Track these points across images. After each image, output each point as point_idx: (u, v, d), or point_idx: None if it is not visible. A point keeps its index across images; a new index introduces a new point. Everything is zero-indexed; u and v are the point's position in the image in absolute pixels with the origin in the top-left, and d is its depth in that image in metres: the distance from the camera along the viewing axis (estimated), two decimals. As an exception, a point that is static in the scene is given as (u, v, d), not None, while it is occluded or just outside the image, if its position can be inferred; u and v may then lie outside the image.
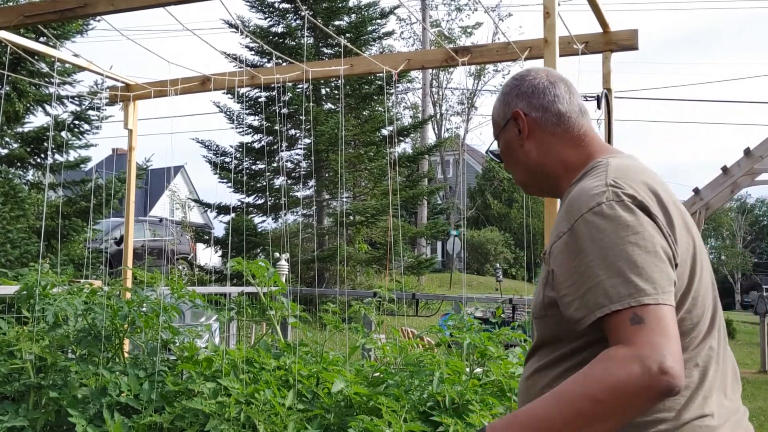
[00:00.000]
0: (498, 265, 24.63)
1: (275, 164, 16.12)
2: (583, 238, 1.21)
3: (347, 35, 16.42)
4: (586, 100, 4.54)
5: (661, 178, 1.38)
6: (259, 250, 15.71)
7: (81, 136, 11.29)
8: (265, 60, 16.45)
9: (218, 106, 16.61)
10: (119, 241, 13.75)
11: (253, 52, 16.80)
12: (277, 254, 9.61)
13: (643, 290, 1.13)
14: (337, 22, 16.96)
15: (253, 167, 16.95)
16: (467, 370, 3.89)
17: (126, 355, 4.23)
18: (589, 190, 1.26)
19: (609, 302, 1.14)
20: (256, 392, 3.43)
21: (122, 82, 5.66)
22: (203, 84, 5.41)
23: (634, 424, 1.18)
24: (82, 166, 11.67)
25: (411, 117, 29.26)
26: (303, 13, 15.99)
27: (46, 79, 10.10)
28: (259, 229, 16.53)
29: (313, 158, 15.92)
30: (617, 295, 1.13)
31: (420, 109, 28.60)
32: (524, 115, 1.47)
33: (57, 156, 11.39)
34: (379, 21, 17.66)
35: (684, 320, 1.24)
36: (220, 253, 18.27)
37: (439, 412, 3.34)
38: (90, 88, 10.49)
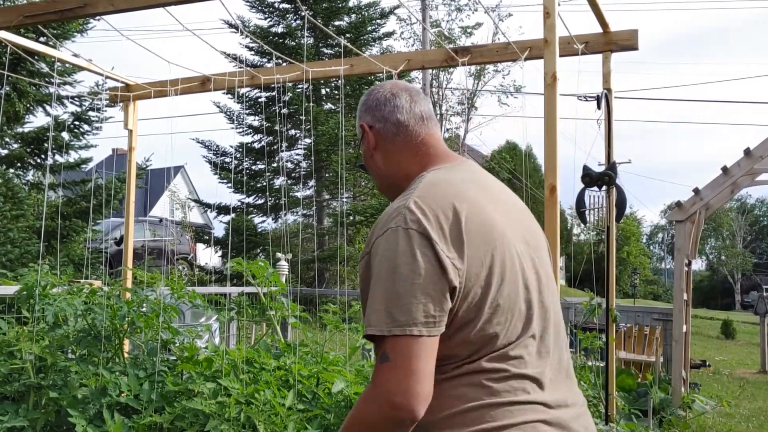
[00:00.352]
0: (498, 265, 24.61)
1: (275, 164, 16.12)
2: (372, 260, 1.33)
3: (347, 35, 16.42)
4: (586, 101, 4.55)
5: (486, 185, 1.47)
6: (259, 250, 15.71)
7: (81, 137, 11.30)
8: (265, 60, 16.45)
9: (218, 106, 16.62)
10: (119, 242, 13.75)
11: (253, 52, 16.81)
12: (279, 254, 9.60)
13: (396, 321, 1.25)
14: (337, 23, 16.96)
15: (253, 167, 16.95)
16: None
17: (126, 355, 4.23)
18: (389, 212, 1.36)
19: (369, 326, 1.29)
20: (256, 392, 3.43)
21: (122, 82, 5.66)
22: (203, 84, 5.41)
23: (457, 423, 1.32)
24: (82, 166, 11.67)
25: (411, 117, 29.20)
26: (303, 14, 15.99)
27: (46, 79, 10.10)
28: (259, 230, 16.53)
29: (313, 158, 15.92)
30: (376, 321, 1.27)
31: (420, 109, 28.54)
32: (369, 127, 1.54)
33: (57, 156, 11.39)
34: (379, 21, 17.66)
35: (484, 329, 1.32)
36: (220, 253, 18.28)
37: (440, 413, 3.34)
38: (90, 88, 10.49)
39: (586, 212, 4.50)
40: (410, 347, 1.25)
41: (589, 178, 4.37)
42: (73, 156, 11.41)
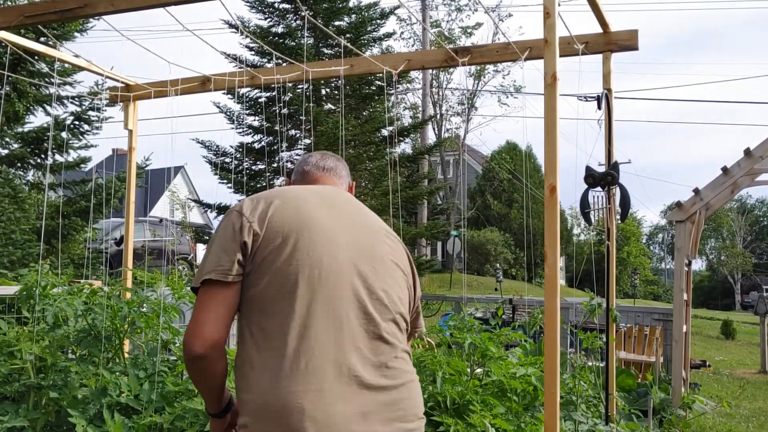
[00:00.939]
0: (498, 265, 24.62)
1: (275, 165, 16.11)
2: None
3: (347, 35, 16.41)
4: (587, 101, 4.54)
5: (328, 201, 1.83)
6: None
7: (81, 137, 11.29)
8: (265, 60, 16.44)
9: (218, 107, 16.61)
10: (119, 242, 13.74)
11: (253, 53, 16.80)
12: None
13: (199, 275, 1.66)
14: (337, 23, 16.96)
15: (253, 167, 16.95)
16: (468, 370, 3.89)
17: (126, 355, 4.23)
18: None
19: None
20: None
21: (122, 82, 5.66)
22: (203, 84, 5.41)
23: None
24: (82, 166, 11.67)
25: (411, 117, 29.25)
26: (303, 14, 15.99)
27: (46, 80, 10.10)
28: (260, 230, 16.49)
29: (313, 158, 15.89)
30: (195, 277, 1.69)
31: (420, 109, 28.59)
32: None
33: (57, 156, 11.39)
34: (379, 21, 17.65)
35: (265, 291, 1.65)
36: (220, 253, 18.23)
37: (440, 412, 3.33)
38: (90, 88, 10.49)
39: (591, 213, 4.50)
40: (202, 296, 1.64)
41: (592, 179, 4.37)
42: (73, 156, 11.41)
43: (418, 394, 1.77)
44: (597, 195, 4.53)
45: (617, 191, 4.46)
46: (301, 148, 16.94)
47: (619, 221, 4.62)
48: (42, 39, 7.57)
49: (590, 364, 4.80)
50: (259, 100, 16.51)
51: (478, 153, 37.54)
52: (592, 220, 4.57)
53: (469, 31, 28.28)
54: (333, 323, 1.64)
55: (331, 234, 1.73)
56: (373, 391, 1.64)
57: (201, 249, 21.04)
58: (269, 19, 17.13)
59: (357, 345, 1.65)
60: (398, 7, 21.15)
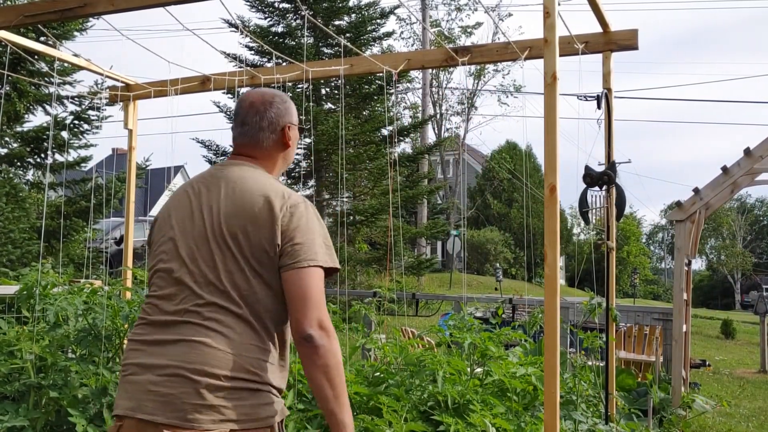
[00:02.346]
0: (498, 265, 24.63)
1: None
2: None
3: (347, 35, 16.41)
4: (586, 100, 4.54)
5: (209, 175, 1.94)
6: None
7: (81, 136, 11.30)
8: (265, 60, 16.44)
9: (218, 106, 16.61)
10: (119, 241, 13.74)
11: (253, 52, 16.80)
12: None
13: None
14: (337, 22, 16.95)
15: (253, 167, 16.92)
16: (468, 369, 3.89)
17: (126, 354, 4.22)
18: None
19: None
20: (257, 392, 3.41)
21: (122, 82, 5.66)
22: (203, 84, 5.41)
23: None
24: (82, 165, 11.66)
25: (411, 117, 29.26)
26: (303, 13, 15.99)
27: (46, 79, 10.10)
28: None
29: (313, 158, 15.91)
30: None
31: (420, 108, 28.59)
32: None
33: (57, 156, 11.39)
34: (378, 21, 17.64)
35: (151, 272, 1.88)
36: (220, 253, 18.23)
37: (440, 412, 3.34)
38: (90, 88, 10.49)
39: (589, 212, 4.50)
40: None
41: (590, 178, 4.37)
42: (73, 155, 11.41)
43: None
44: (595, 195, 4.54)
45: (614, 191, 4.46)
46: (300, 148, 16.94)
47: (615, 221, 4.62)
48: (42, 38, 7.57)
49: (590, 363, 4.80)
50: (259, 99, 16.48)
51: (478, 153, 37.55)
52: (590, 220, 4.57)
53: (469, 30, 28.30)
54: None
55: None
56: None
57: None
58: (269, 19, 17.13)
59: None
60: (398, 6, 21.16)
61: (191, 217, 1.84)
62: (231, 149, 2.05)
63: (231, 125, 2.02)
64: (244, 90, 17.31)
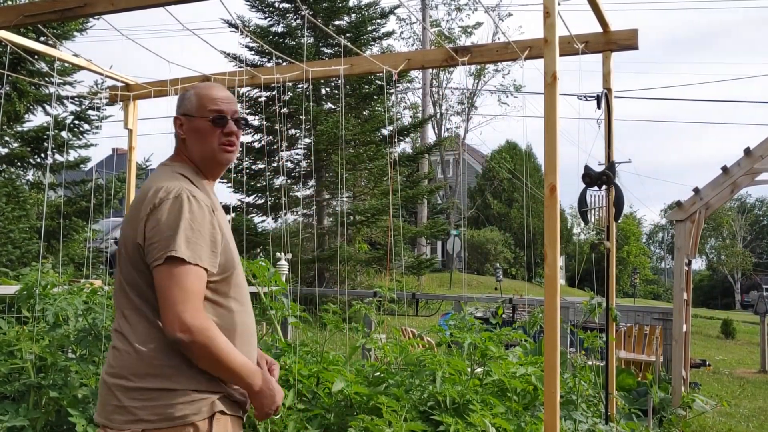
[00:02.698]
0: (498, 264, 24.63)
1: (275, 164, 16.11)
2: None
3: (347, 35, 16.41)
4: (586, 100, 4.54)
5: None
6: (259, 250, 15.70)
7: (81, 136, 11.30)
8: (265, 60, 16.44)
9: (218, 106, 16.57)
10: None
11: (253, 52, 16.80)
12: (279, 254, 9.60)
13: None
14: (337, 22, 16.96)
15: (253, 167, 16.95)
16: (468, 369, 3.89)
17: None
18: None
19: None
20: (257, 392, 3.41)
21: (122, 81, 5.66)
22: (203, 84, 5.40)
23: None
24: (82, 165, 11.66)
25: (411, 117, 29.26)
26: (303, 13, 15.99)
27: (46, 79, 10.10)
28: (259, 229, 16.52)
29: (313, 158, 15.91)
30: None
31: (420, 108, 28.59)
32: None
33: (57, 156, 11.39)
34: (379, 21, 17.65)
35: None
36: (220, 252, 18.21)
37: (440, 412, 3.34)
38: (90, 88, 10.49)
39: (588, 212, 4.50)
40: None
41: (589, 178, 4.37)
42: (73, 155, 11.41)
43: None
44: (594, 194, 4.54)
45: (612, 191, 4.45)
46: (301, 148, 16.95)
47: (614, 221, 4.62)
48: (42, 38, 7.57)
49: (590, 363, 4.80)
50: (259, 99, 16.51)
51: (478, 152, 37.54)
52: (589, 220, 4.57)
53: (469, 30, 28.30)
54: None
55: None
56: None
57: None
58: (269, 19, 17.14)
59: None
60: (398, 6, 21.16)
61: None
62: None
63: None
64: (244, 90, 17.24)
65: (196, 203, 1.79)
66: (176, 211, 1.76)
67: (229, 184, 16.73)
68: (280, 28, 16.91)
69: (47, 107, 11.19)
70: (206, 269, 1.76)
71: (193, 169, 1.96)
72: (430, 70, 26.55)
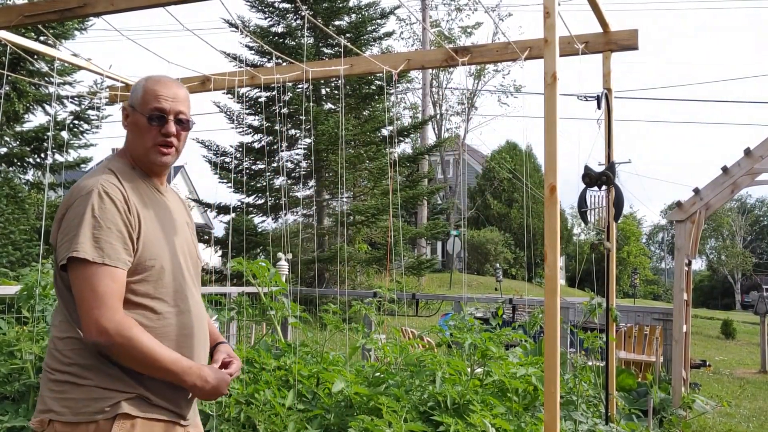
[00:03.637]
0: (498, 265, 24.62)
1: (275, 164, 16.11)
2: None
3: (347, 35, 16.41)
4: (586, 100, 4.54)
5: None
6: (259, 250, 15.71)
7: (80, 136, 11.30)
8: (265, 60, 16.45)
9: (218, 106, 16.62)
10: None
11: (253, 52, 16.81)
12: (279, 254, 9.60)
13: None
14: (337, 22, 16.96)
15: (253, 167, 16.95)
16: (468, 370, 3.89)
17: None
18: None
19: None
20: (256, 392, 3.43)
21: (122, 81, 5.65)
22: (203, 84, 5.41)
23: None
24: (81, 165, 11.67)
25: (411, 117, 29.27)
26: (303, 13, 15.99)
27: (46, 79, 10.10)
28: (260, 229, 16.52)
29: (313, 158, 15.91)
30: None
31: (420, 109, 28.60)
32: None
33: (57, 155, 11.39)
34: (379, 21, 17.65)
35: None
36: (220, 253, 18.27)
37: (440, 412, 3.33)
38: (90, 87, 10.49)
39: (588, 212, 4.50)
40: None
41: (589, 178, 4.37)
42: (72, 155, 11.42)
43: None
44: (594, 195, 4.53)
45: (612, 191, 4.45)
46: (301, 148, 16.95)
47: (614, 221, 4.62)
48: (42, 38, 7.57)
49: (590, 363, 4.80)
50: (259, 99, 16.52)
51: (478, 153, 37.54)
52: (589, 220, 4.57)
53: (469, 30, 28.30)
54: None
55: None
56: None
57: (201, 249, 21.03)
58: (269, 19, 17.14)
59: None
60: (398, 6, 21.17)
61: None
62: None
63: None
64: (244, 90, 17.25)
65: (107, 198, 1.73)
66: (83, 209, 1.71)
67: (229, 184, 16.75)
68: (280, 29, 16.91)
69: (47, 107, 11.20)
70: (121, 267, 1.72)
71: (128, 163, 1.90)
72: (430, 71, 26.56)
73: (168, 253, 1.84)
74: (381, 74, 5.12)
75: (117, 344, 1.67)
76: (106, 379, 1.72)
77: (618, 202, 4.45)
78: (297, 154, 17.27)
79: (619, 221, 4.70)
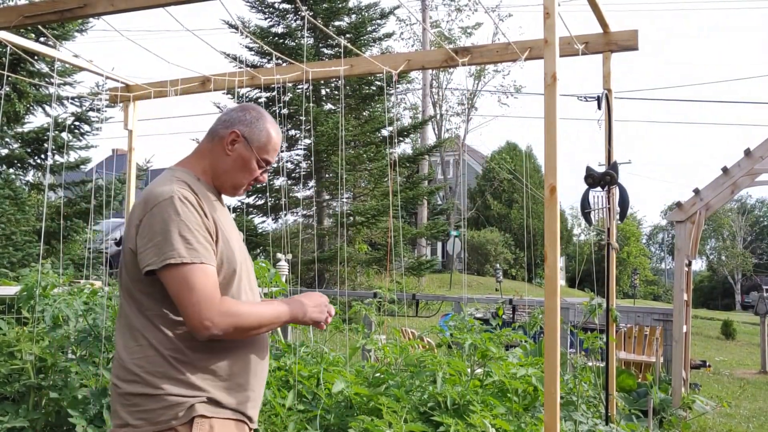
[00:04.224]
0: (498, 265, 24.62)
1: (275, 164, 16.10)
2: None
3: (347, 36, 16.42)
4: (586, 101, 4.54)
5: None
6: (259, 251, 15.71)
7: (81, 137, 11.30)
8: (265, 60, 16.46)
9: (218, 107, 16.62)
10: (119, 242, 13.74)
11: (253, 53, 16.82)
12: (279, 254, 9.60)
13: None
14: (337, 23, 16.97)
15: (253, 168, 16.92)
16: (468, 370, 3.89)
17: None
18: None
19: None
20: (257, 393, 3.40)
21: (122, 82, 5.65)
22: (203, 84, 5.41)
23: None
24: (82, 166, 11.66)
25: (411, 117, 29.28)
26: (303, 14, 16.00)
27: (46, 80, 10.10)
28: (260, 230, 16.52)
29: (313, 159, 15.92)
30: None
31: (420, 109, 28.60)
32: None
33: (57, 157, 11.39)
34: (378, 21, 17.66)
35: None
36: (220, 253, 18.23)
37: (440, 413, 3.33)
38: (90, 88, 10.50)
39: (591, 213, 4.50)
40: None
41: (592, 179, 4.37)
42: (73, 156, 11.41)
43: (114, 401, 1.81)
44: (597, 195, 4.53)
45: (616, 191, 4.45)
46: (301, 148, 16.95)
47: (618, 221, 4.62)
48: (42, 39, 7.57)
49: (590, 364, 4.80)
50: (259, 100, 16.51)
51: (478, 153, 37.55)
52: (593, 221, 4.57)
53: (469, 31, 28.31)
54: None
55: None
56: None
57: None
58: (269, 19, 17.15)
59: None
60: (398, 7, 21.18)
61: None
62: None
63: None
64: (244, 90, 17.26)
65: (187, 203, 1.78)
66: (166, 214, 1.75)
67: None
68: (280, 29, 16.92)
69: (47, 108, 11.19)
70: (211, 264, 1.77)
71: (193, 174, 1.93)
72: (430, 71, 26.56)
73: (237, 258, 1.89)
74: (381, 75, 5.12)
75: (229, 331, 1.73)
76: (176, 386, 1.75)
77: (623, 202, 4.45)
78: (297, 155, 17.28)
79: (623, 221, 4.70)
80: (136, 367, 1.76)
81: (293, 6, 16.48)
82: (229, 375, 1.82)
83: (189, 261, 1.71)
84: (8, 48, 4.88)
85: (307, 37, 16.52)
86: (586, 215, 4.49)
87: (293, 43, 16.14)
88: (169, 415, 1.73)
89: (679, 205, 6.55)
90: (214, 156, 1.97)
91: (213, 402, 1.79)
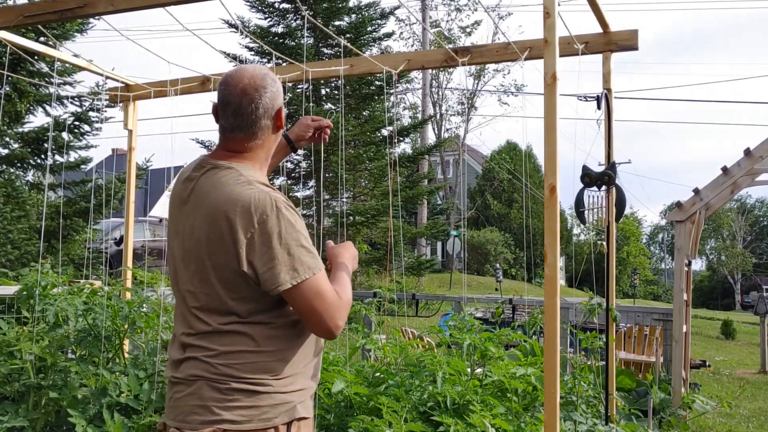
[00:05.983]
0: (498, 265, 24.62)
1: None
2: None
3: (347, 35, 16.42)
4: (586, 101, 4.54)
5: (188, 180, 1.85)
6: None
7: (81, 137, 11.30)
8: (265, 60, 16.45)
9: (218, 107, 16.60)
10: (119, 242, 13.75)
11: (253, 52, 16.81)
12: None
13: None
14: (337, 23, 16.96)
15: (253, 167, 16.93)
16: (468, 370, 3.89)
17: (126, 355, 4.23)
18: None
19: None
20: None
21: (122, 82, 5.65)
22: (203, 84, 5.41)
23: None
24: (82, 166, 11.66)
25: (411, 117, 29.28)
26: (303, 14, 16.00)
27: (46, 80, 10.10)
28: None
29: (313, 158, 15.92)
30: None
31: (420, 109, 28.61)
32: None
33: (57, 156, 11.39)
34: (378, 21, 17.66)
35: None
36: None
37: (440, 413, 3.33)
38: (90, 88, 10.49)
39: (585, 212, 4.50)
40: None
41: (589, 179, 4.37)
42: (73, 156, 11.41)
43: (199, 398, 1.72)
44: (592, 195, 4.53)
45: (613, 191, 4.46)
46: (300, 149, 16.92)
47: (615, 221, 4.62)
48: (42, 39, 7.57)
49: (590, 364, 4.80)
50: (259, 100, 16.49)
51: (478, 153, 37.55)
52: (587, 220, 4.57)
53: (468, 30, 28.32)
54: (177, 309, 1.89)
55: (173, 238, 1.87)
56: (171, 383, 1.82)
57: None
58: (269, 19, 17.14)
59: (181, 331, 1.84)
60: (398, 7, 21.18)
61: (177, 236, 1.85)
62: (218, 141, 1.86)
63: (217, 114, 1.82)
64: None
65: (291, 209, 1.76)
66: (282, 227, 1.71)
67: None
68: (280, 29, 16.92)
69: (47, 108, 11.19)
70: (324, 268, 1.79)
71: (260, 171, 1.85)
72: (430, 71, 26.57)
73: None
74: (381, 74, 5.12)
75: (343, 324, 1.78)
76: (284, 383, 1.74)
77: (620, 202, 4.46)
78: (297, 155, 17.27)
79: (620, 221, 4.70)
80: (244, 365, 1.70)
81: (293, 6, 16.48)
82: (313, 375, 1.84)
83: (318, 270, 1.72)
84: (8, 48, 4.88)
85: (307, 36, 16.52)
86: (580, 214, 4.49)
87: (293, 43, 16.13)
88: (273, 414, 1.70)
89: (679, 205, 6.56)
90: (268, 140, 1.86)
91: (310, 399, 1.82)
